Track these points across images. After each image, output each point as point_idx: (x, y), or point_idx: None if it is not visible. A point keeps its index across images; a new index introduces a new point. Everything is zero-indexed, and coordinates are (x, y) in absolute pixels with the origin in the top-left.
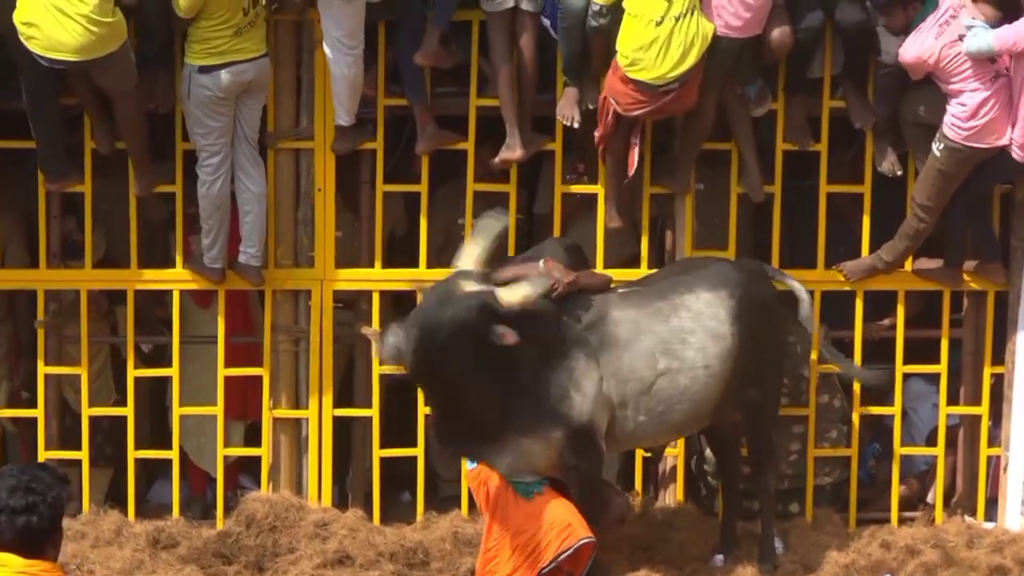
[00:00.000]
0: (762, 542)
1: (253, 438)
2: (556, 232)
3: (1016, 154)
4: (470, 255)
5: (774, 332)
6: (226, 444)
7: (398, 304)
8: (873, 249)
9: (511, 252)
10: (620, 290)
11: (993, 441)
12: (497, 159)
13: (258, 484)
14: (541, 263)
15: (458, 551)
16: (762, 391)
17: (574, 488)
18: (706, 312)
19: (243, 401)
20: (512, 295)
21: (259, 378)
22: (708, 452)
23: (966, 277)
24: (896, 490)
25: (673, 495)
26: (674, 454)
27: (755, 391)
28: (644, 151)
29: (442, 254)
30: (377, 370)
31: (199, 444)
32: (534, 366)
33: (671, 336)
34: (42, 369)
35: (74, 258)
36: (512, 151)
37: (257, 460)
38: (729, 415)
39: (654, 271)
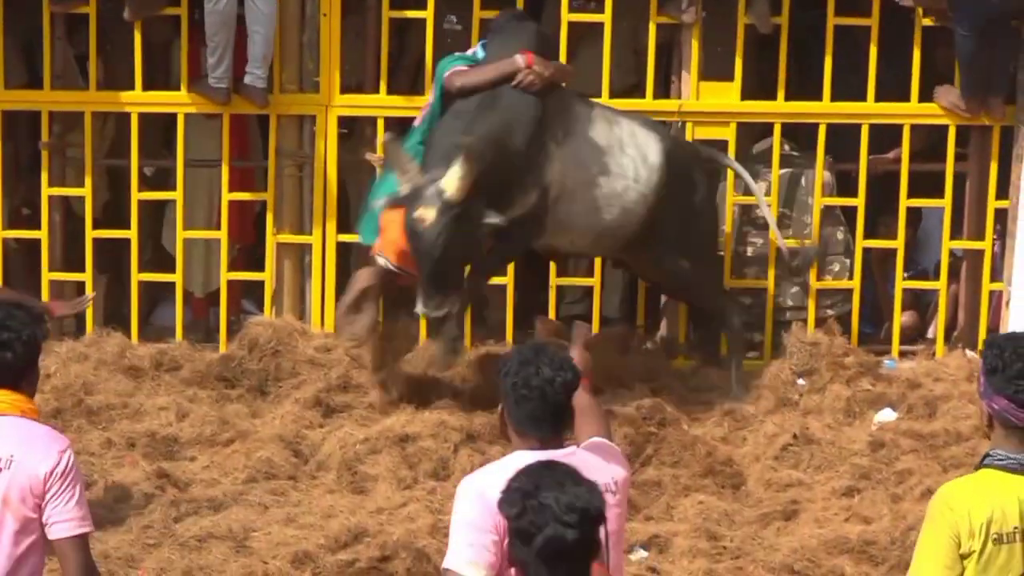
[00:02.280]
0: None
1: (255, 263)
2: (563, 60)
3: None
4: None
5: (701, 204)
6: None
7: (403, 129)
8: (879, 82)
9: None
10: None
11: (995, 276)
12: None
13: (261, 309)
14: (519, 56)
15: None
16: (691, 261)
17: None
18: (640, 137)
19: (236, 225)
20: (448, 182)
21: (250, 202)
22: None
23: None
24: (898, 323)
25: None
26: None
27: (684, 260)
28: None
29: None
30: None
31: (187, 267)
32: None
33: (614, 142)
34: (46, 190)
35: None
36: None
37: (260, 285)
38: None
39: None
